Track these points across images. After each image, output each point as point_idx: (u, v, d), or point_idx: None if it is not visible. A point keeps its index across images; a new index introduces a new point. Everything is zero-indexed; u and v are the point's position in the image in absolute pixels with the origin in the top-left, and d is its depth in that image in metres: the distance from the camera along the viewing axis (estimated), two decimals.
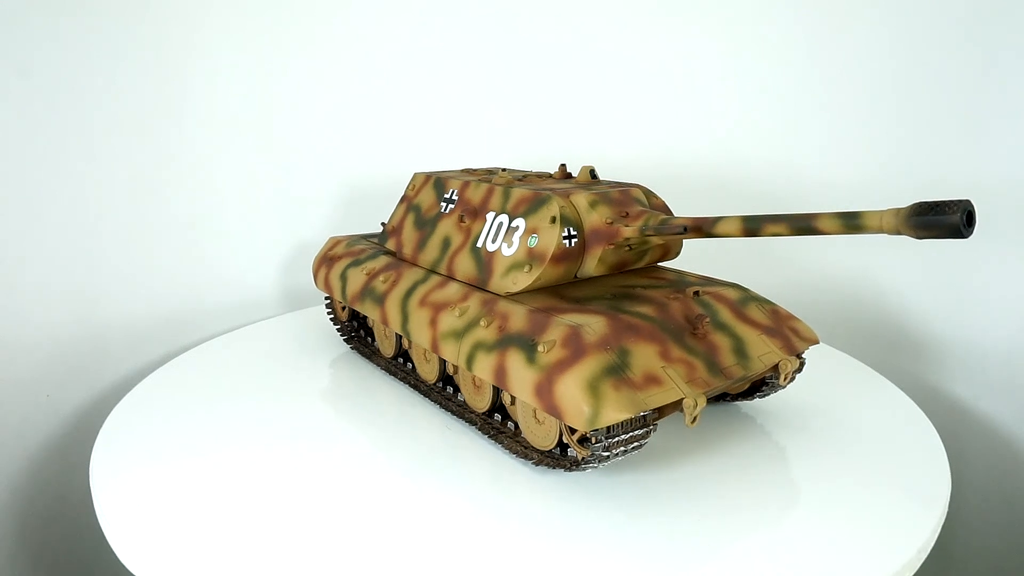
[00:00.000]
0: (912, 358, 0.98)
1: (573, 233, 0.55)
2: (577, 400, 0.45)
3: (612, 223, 0.56)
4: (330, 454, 0.57)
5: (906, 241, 0.98)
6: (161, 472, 0.54)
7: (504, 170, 0.71)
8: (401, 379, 0.71)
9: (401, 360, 0.72)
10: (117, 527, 0.47)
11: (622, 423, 0.47)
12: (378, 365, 0.75)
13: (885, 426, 0.64)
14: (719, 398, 0.65)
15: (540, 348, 0.48)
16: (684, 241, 0.65)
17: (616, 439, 0.47)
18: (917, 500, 0.52)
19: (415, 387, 0.68)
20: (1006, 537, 0.93)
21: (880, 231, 0.41)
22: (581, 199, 0.57)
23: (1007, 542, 0.93)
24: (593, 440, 0.47)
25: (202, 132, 0.87)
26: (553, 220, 0.55)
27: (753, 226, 0.48)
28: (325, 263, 0.76)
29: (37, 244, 0.79)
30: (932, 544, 0.48)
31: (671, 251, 0.64)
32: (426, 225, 0.67)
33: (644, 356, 0.48)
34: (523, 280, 0.55)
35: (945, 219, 0.38)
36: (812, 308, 1.03)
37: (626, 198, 0.58)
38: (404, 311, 0.62)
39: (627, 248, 0.58)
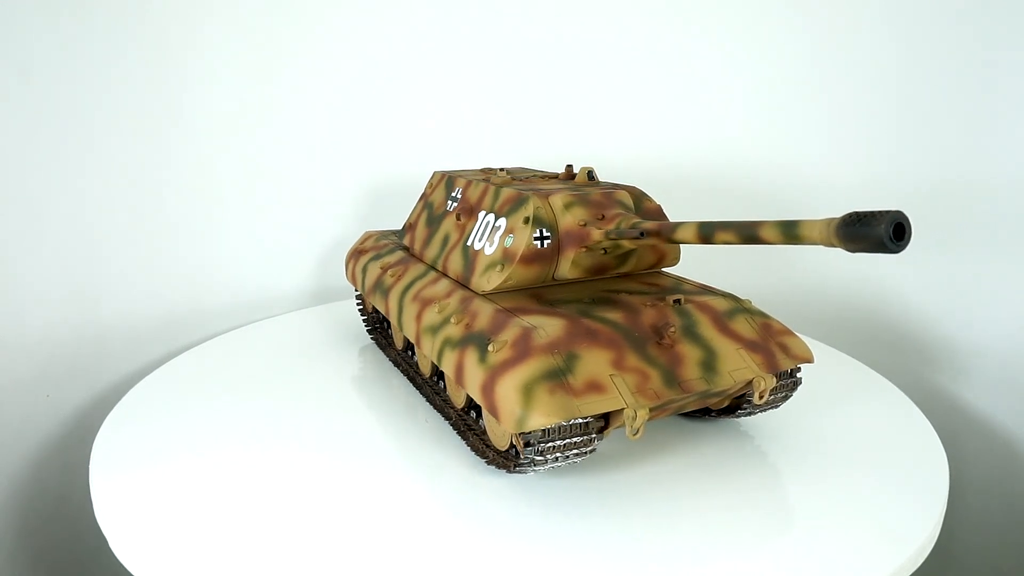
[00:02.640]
0: (911, 358, 0.98)
1: (546, 234, 0.55)
2: (510, 401, 0.44)
3: (585, 225, 0.55)
4: (328, 452, 0.57)
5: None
6: (160, 472, 0.54)
7: (502, 170, 0.71)
8: (403, 371, 0.72)
9: (409, 353, 0.73)
10: (116, 527, 0.47)
11: (560, 429, 0.47)
12: (388, 357, 0.76)
13: (883, 426, 0.64)
14: (703, 412, 0.63)
15: (490, 347, 0.48)
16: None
17: (552, 444, 0.47)
18: (915, 500, 0.52)
19: (412, 379, 0.70)
20: (1006, 537, 0.93)
21: (815, 242, 0.39)
22: (558, 200, 0.56)
23: (1007, 542, 0.93)
24: (531, 443, 0.47)
25: (202, 131, 0.87)
26: (526, 220, 0.55)
27: (707, 232, 0.46)
28: (354, 256, 0.78)
29: (37, 244, 0.79)
30: (931, 544, 0.48)
31: (667, 257, 0.62)
32: (434, 222, 0.68)
33: (594, 362, 0.47)
34: (495, 279, 0.55)
35: (870, 231, 0.34)
36: (812, 308, 1.03)
37: (608, 200, 0.57)
38: (400, 305, 0.63)
39: (602, 252, 0.56)
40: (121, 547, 0.46)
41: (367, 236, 0.81)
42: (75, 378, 0.84)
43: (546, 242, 0.55)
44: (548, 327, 0.49)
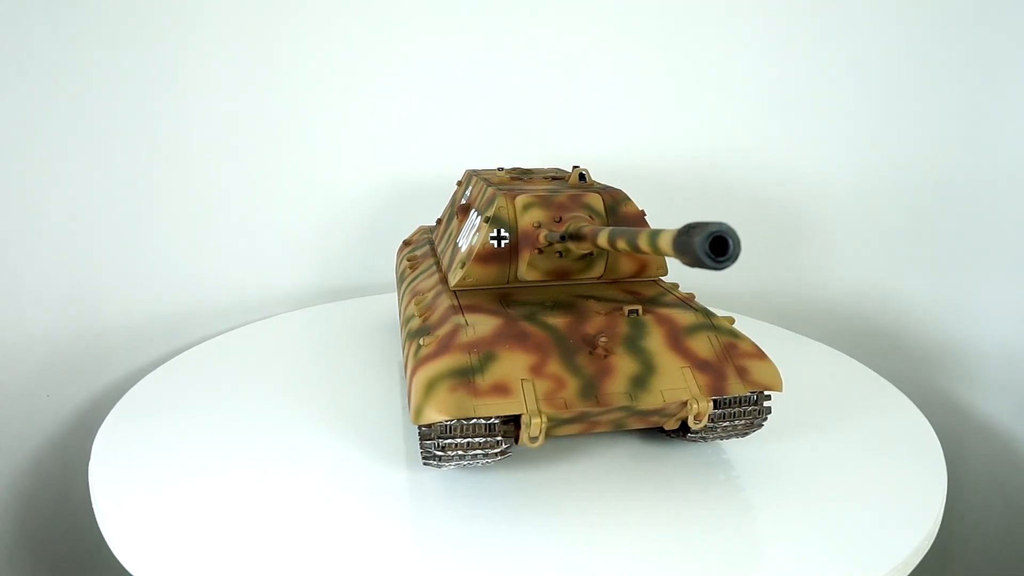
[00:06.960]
0: (910, 358, 0.98)
1: (503, 234, 0.54)
2: (416, 394, 0.45)
3: (539, 227, 0.54)
4: (326, 451, 0.57)
5: (906, 241, 0.98)
6: (160, 471, 0.54)
7: (501, 169, 0.71)
8: None
9: None
10: (116, 527, 0.47)
11: (462, 427, 0.47)
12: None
13: (882, 425, 0.64)
14: (658, 430, 0.59)
15: (422, 341, 0.49)
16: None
17: (452, 441, 0.47)
18: (914, 500, 0.52)
19: None
20: (1006, 537, 0.93)
21: (668, 254, 0.35)
22: (520, 200, 0.55)
23: (1007, 542, 0.93)
24: (430, 436, 0.47)
25: (203, 131, 0.87)
26: (487, 220, 0.55)
27: (612, 239, 0.44)
28: (401, 248, 0.81)
29: (37, 244, 0.79)
30: (929, 544, 0.48)
31: (651, 265, 0.58)
32: (451, 219, 0.70)
33: (510, 365, 0.47)
34: (457, 276, 0.56)
35: (690, 242, 0.31)
36: (812, 309, 1.03)
37: (572, 203, 0.55)
38: (402, 295, 0.65)
39: (557, 255, 0.55)
40: (121, 547, 0.46)
41: (418, 230, 0.84)
42: (75, 378, 0.84)
43: (503, 242, 0.55)
44: (479, 326, 0.49)
